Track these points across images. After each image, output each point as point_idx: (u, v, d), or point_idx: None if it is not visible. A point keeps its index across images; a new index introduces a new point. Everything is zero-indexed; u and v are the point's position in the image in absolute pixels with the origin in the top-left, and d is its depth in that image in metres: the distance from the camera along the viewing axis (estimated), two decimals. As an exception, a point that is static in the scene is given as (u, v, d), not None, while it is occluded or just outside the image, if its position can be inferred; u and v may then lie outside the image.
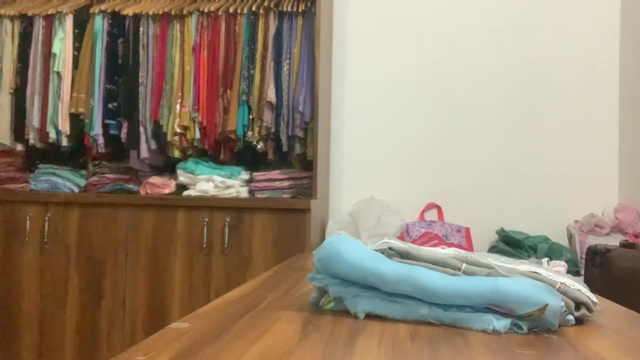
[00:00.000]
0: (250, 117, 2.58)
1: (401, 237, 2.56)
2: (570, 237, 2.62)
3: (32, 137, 2.76)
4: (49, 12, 2.75)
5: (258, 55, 2.60)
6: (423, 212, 2.80)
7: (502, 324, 0.65)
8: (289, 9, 2.59)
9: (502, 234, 2.65)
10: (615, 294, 1.67)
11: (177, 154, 2.65)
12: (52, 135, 2.72)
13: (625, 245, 1.93)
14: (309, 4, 2.60)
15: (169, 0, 2.75)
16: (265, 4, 2.61)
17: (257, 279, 1.05)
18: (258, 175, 2.61)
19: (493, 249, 2.62)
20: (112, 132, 2.69)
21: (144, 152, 2.65)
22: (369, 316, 0.72)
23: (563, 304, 0.67)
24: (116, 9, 2.70)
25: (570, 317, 0.70)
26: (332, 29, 2.89)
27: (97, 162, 2.78)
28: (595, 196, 2.70)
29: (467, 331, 0.66)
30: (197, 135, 2.60)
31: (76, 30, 2.76)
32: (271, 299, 0.83)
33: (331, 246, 0.75)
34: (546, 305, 0.64)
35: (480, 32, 2.85)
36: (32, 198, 2.63)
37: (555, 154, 2.76)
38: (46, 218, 2.58)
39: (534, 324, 0.66)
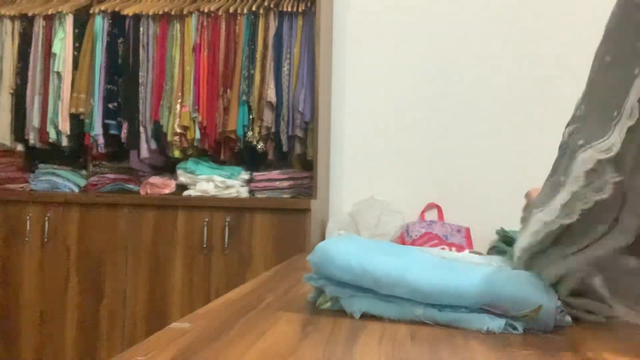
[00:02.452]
0: (250, 117, 2.58)
1: (401, 237, 2.56)
2: (570, 237, 2.61)
3: (32, 137, 2.76)
4: (49, 12, 2.75)
5: (258, 55, 2.60)
6: (423, 212, 2.80)
7: (496, 324, 0.65)
8: (289, 9, 2.59)
9: (502, 234, 2.65)
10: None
11: (177, 154, 2.65)
12: (52, 135, 2.72)
13: (625, 245, 1.93)
14: (309, 4, 2.60)
15: (169, 0, 2.75)
16: (265, 4, 2.61)
17: (257, 279, 1.04)
18: (258, 175, 2.61)
19: (493, 249, 2.61)
20: (112, 132, 2.69)
21: (144, 152, 2.65)
22: (369, 316, 0.72)
23: (559, 303, 0.67)
24: (116, 9, 2.70)
25: (568, 317, 0.70)
26: (332, 29, 2.89)
27: (97, 162, 2.78)
28: (595, 196, 2.70)
29: (468, 331, 0.66)
30: (197, 135, 2.60)
31: (76, 30, 2.76)
32: (271, 299, 0.83)
33: (322, 251, 0.75)
34: (540, 306, 0.64)
35: (481, 32, 2.85)
36: (32, 198, 2.63)
37: (555, 154, 2.75)
38: (46, 218, 2.58)
39: (529, 324, 0.66)
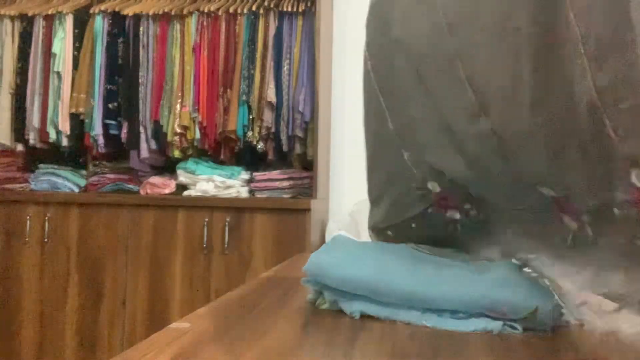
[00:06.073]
0: (250, 117, 2.58)
1: (401, 237, 2.56)
2: (571, 237, 2.61)
3: (32, 137, 2.76)
4: (49, 12, 2.75)
5: (258, 55, 2.60)
6: (423, 212, 2.80)
7: (495, 325, 0.66)
8: (289, 9, 2.59)
9: (502, 234, 2.65)
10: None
11: (177, 154, 2.65)
12: (52, 135, 2.72)
13: (625, 245, 1.93)
14: (309, 4, 2.60)
15: (169, 0, 2.75)
16: (265, 4, 2.61)
17: (257, 279, 1.04)
18: (258, 175, 2.61)
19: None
20: (112, 132, 2.69)
21: (144, 152, 2.65)
22: (369, 316, 0.72)
23: (556, 303, 0.67)
24: (116, 9, 2.70)
25: (569, 318, 0.70)
26: (332, 29, 2.89)
27: (97, 162, 2.78)
28: (595, 196, 2.70)
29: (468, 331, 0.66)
30: (197, 135, 2.60)
31: (76, 30, 2.76)
32: (271, 299, 0.83)
33: (315, 265, 0.73)
34: (536, 308, 0.64)
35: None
36: (32, 198, 2.63)
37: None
38: (46, 218, 2.58)
39: (529, 325, 0.66)
